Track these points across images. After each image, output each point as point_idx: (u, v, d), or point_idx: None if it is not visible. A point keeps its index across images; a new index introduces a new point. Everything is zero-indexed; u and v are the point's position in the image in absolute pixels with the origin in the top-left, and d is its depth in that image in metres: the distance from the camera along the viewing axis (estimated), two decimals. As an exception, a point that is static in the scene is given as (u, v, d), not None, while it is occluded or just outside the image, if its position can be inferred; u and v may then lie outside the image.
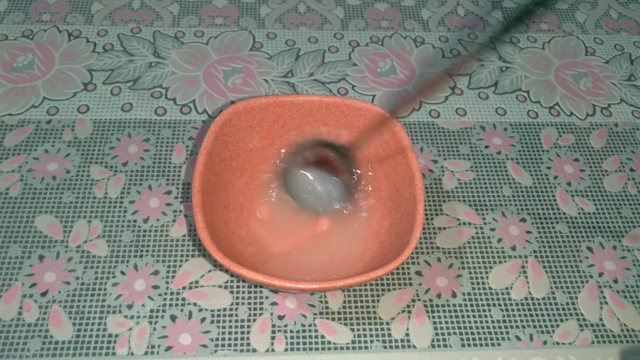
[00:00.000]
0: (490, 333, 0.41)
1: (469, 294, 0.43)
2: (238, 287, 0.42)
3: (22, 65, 0.53)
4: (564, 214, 0.47)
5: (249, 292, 0.42)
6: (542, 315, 0.42)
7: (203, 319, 0.40)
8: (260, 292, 0.42)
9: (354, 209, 0.44)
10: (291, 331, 0.40)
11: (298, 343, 0.40)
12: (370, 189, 0.44)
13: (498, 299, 0.42)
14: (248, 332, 0.40)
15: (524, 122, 0.53)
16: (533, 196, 0.48)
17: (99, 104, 0.51)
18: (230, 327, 0.40)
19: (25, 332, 0.39)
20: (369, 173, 0.45)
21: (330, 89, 0.53)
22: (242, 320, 0.40)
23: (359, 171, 0.44)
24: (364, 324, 0.41)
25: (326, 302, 0.41)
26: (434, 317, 0.41)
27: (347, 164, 0.43)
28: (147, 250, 0.43)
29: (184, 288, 0.41)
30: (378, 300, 0.42)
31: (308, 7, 0.60)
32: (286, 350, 0.39)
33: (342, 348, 0.40)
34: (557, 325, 0.42)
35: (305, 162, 0.44)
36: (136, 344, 0.39)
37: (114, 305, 0.40)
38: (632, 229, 0.47)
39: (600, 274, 0.44)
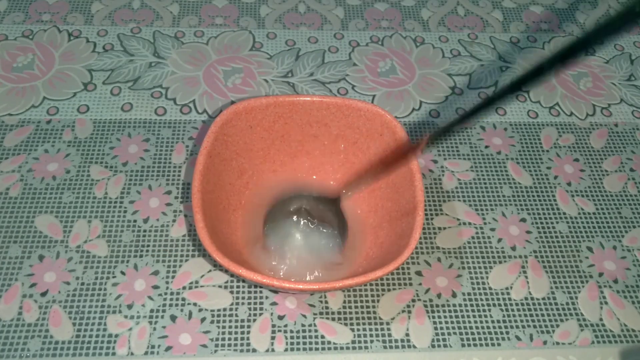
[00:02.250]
0: (490, 333, 0.41)
1: (469, 294, 0.43)
2: (238, 287, 0.42)
3: (22, 65, 0.53)
4: (564, 214, 0.47)
5: (249, 292, 0.42)
6: (542, 315, 0.42)
7: (203, 319, 0.40)
8: (260, 292, 0.42)
9: (343, 259, 0.42)
10: (291, 331, 0.40)
11: (298, 343, 0.40)
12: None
13: (498, 299, 0.42)
14: (248, 332, 0.40)
15: (524, 122, 0.53)
16: (533, 196, 0.48)
17: (99, 104, 0.51)
18: (230, 327, 0.40)
19: (25, 332, 0.39)
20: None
21: (330, 89, 0.53)
22: (242, 320, 0.40)
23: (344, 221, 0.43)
24: (364, 324, 0.41)
25: (326, 302, 0.41)
26: (434, 317, 0.41)
27: (334, 214, 0.43)
28: (147, 250, 0.43)
29: (184, 288, 0.41)
30: (378, 300, 0.42)
31: (308, 7, 0.60)
32: (286, 350, 0.39)
33: (342, 348, 0.40)
34: (557, 325, 0.42)
35: (290, 216, 0.43)
36: (136, 344, 0.39)
37: (114, 305, 0.40)
38: (632, 229, 0.47)
39: (600, 274, 0.44)
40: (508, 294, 0.43)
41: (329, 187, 0.44)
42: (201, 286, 0.42)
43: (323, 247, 0.42)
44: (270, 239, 0.42)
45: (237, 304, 0.41)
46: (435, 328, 0.41)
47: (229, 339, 0.40)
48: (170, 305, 0.41)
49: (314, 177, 0.46)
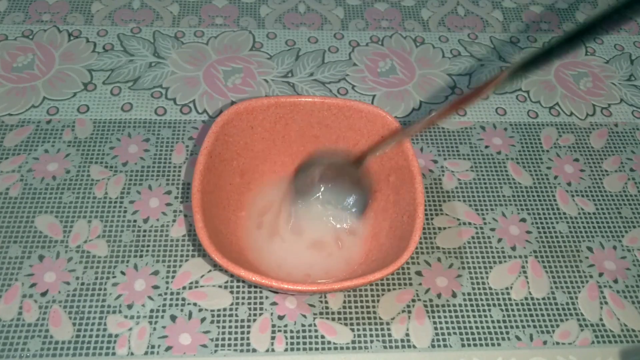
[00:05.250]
0: (490, 333, 0.41)
1: (469, 294, 0.43)
2: (238, 287, 0.42)
3: (22, 65, 0.53)
4: (564, 214, 0.47)
5: (249, 292, 0.42)
6: (542, 315, 0.42)
7: (203, 319, 0.40)
8: (260, 292, 0.42)
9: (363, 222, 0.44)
10: (291, 331, 0.40)
11: (298, 343, 0.40)
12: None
13: (498, 299, 0.42)
14: (248, 332, 0.40)
15: (524, 122, 0.53)
16: (533, 196, 0.48)
17: (99, 104, 0.51)
18: (230, 327, 0.40)
19: (25, 332, 0.39)
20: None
21: (330, 89, 0.53)
22: (242, 320, 0.40)
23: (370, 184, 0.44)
24: (364, 324, 0.41)
25: (326, 302, 0.41)
26: (434, 317, 0.41)
27: (359, 176, 0.43)
28: (147, 250, 0.43)
29: (184, 288, 0.41)
30: (378, 301, 0.42)
31: (308, 7, 0.60)
32: (286, 350, 0.39)
33: (342, 348, 0.40)
34: (557, 325, 0.42)
35: (317, 178, 0.44)
36: (136, 344, 0.39)
37: (114, 305, 0.40)
38: (632, 229, 0.47)
39: (600, 274, 0.44)
40: (508, 294, 0.43)
41: (350, 152, 0.44)
42: (201, 286, 0.42)
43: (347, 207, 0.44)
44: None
45: (237, 304, 0.41)
46: (435, 328, 0.41)
47: (229, 339, 0.40)
48: (170, 305, 0.41)
49: None
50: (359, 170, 0.43)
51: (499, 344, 0.41)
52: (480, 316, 0.42)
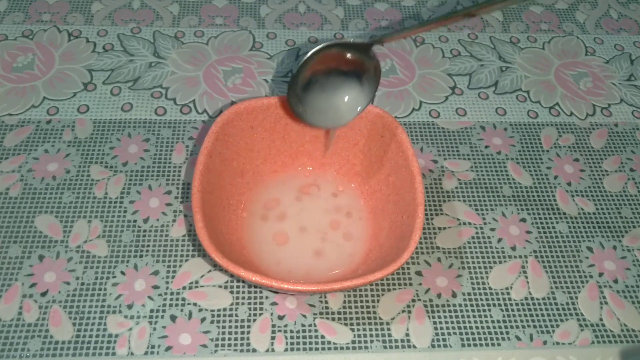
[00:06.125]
0: (490, 333, 0.41)
1: (469, 294, 0.43)
2: (238, 287, 0.42)
3: (22, 65, 0.53)
4: (564, 214, 0.47)
5: (249, 292, 0.42)
6: (542, 315, 0.42)
7: (203, 319, 0.40)
8: (260, 292, 0.42)
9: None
10: (291, 331, 0.40)
11: (298, 343, 0.40)
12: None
13: (498, 299, 0.42)
14: (248, 332, 0.40)
15: (524, 122, 0.53)
16: (533, 196, 0.48)
17: (99, 104, 0.51)
18: (230, 327, 0.40)
19: (25, 332, 0.39)
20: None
21: (330, 89, 0.53)
22: (242, 320, 0.40)
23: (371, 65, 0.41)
24: (364, 324, 0.41)
25: (326, 302, 0.41)
26: (434, 317, 0.41)
27: (364, 59, 0.40)
28: (147, 250, 0.43)
29: (184, 288, 0.41)
30: (378, 301, 0.42)
31: (308, 7, 0.60)
32: (286, 350, 0.39)
33: (342, 348, 0.40)
34: (557, 325, 0.42)
35: (316, 72, 0.41)
36: (136, 344, 0.39)
37: (114, 305, 0.40)
38: (632, 229, 0.47)
39: (600, 274, 0.44)
40: (508, 294, 0.43)
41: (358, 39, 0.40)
42: (201, 286, 0.42)
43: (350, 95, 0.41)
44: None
45: (237, 304, 0.41)
46: (435, 328, 0.41)
47: (229, 339, 0.40)
48: (170, 305, 0.41)
49: (309, 168, 0.47)
50: (361, 54, 0.40)
51: (499, 344, 0.41)
52: (480, 316, 0.42)
